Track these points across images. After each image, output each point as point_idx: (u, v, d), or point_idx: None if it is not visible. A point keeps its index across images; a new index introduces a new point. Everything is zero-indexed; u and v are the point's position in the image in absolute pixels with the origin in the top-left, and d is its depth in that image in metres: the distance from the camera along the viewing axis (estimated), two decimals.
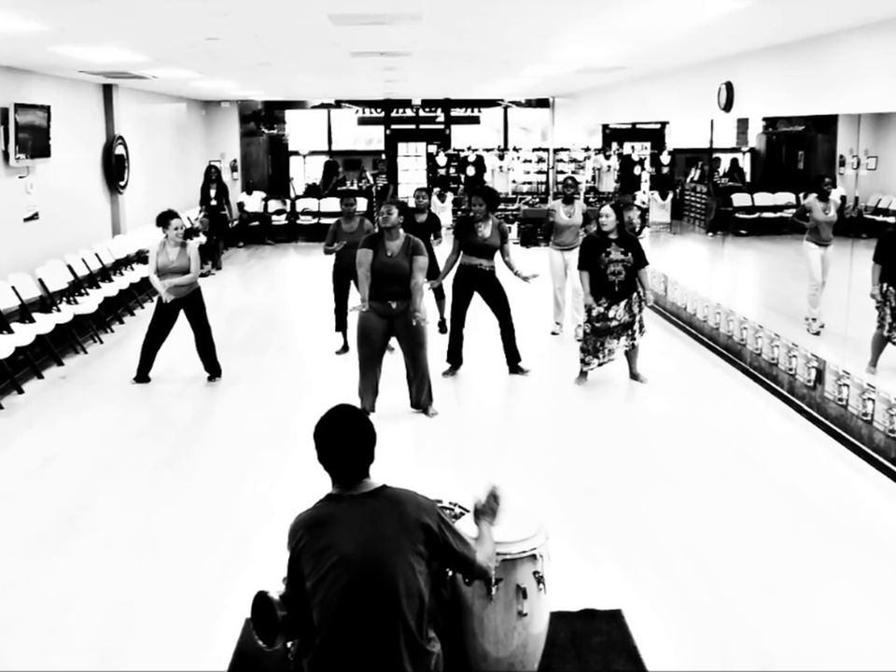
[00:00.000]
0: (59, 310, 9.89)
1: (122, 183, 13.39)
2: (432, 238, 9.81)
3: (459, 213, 18.38)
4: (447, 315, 9.40)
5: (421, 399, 7.55)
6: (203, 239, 15.10)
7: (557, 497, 5.88)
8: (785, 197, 13.11)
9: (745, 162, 15.87)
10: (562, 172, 18.99)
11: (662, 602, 4.60)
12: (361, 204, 17.06)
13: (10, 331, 8.70)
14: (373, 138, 23.04)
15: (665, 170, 18.71)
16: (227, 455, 6.78)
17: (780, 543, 5.25)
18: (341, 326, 9.66)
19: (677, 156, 19.05)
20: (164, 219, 8.35)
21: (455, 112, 22.05)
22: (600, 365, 8.29)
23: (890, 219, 9.19)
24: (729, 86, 9.69)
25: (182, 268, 8.30)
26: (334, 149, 22.26)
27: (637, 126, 19.31)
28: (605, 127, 19.72)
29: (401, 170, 21.71)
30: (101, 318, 10.81)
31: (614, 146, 19.48)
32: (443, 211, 18.43)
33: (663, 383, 8.47)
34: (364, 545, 2.93)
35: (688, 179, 17.88)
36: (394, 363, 8.06)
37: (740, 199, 14.02)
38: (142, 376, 8.59)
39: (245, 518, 5.64)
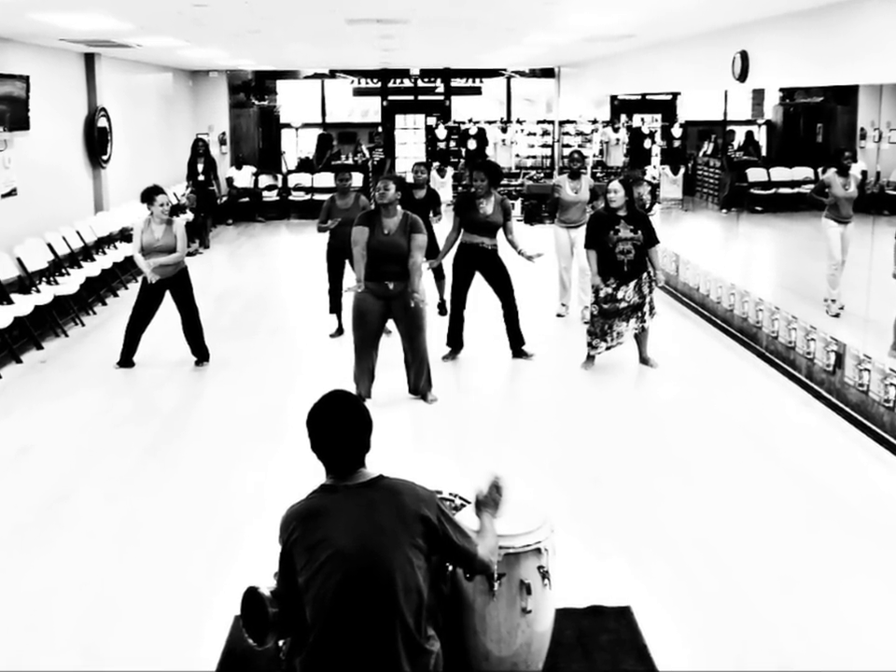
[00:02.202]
0: (38, 291, 9.86)
1: (105, 157, 13.34)
2: (431, 215, 9.77)
3: (460, 188, 18.35)
4: (447, 297, 9.37)
5: (420, 384, 7.53)
6: (189, 216, 15.04)
7: (563, 487, 5.87)
8: (803, 172, 13.06)
9: (761, 135, 15.80)
10: (568, 145, 18.94)
11: (673, 598, 4.59)
12: (357, 180, 17.00)
13: None
14: (369, 110, 22.95)
15: (677, 143, 18.64)
16: (215, 444, 6.76)
17: (798, 536, 5.24)
18: (335, 308, 9.63)
19: (689, 129, 18.95)
20: (149, 195, 8.31)
21: (456, 82, 21.97)
22: (608, 349, 8.26)
23: None
24: (744, 55, 9.62)
25: (168, 246, 8.26)
26: (328, 122, 22.20)
27: (648, 97, 19.22)
28: (613, 98, 19.65)
29: (399, 143, 21.66)
30: (82, 300, 10.77)
31: (623, 118, 19.41)
32: (443, 187, 18.39)
33: (674, 367, 8.44)
34: (360, 538, 2.92)
35: (701, 153, 17.80)
36: (391, 347, 8.03)
37: (755, 174, 13.97)
38: (126, 360, 8.56)
39: (234, 510, 5.62)
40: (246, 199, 19.00)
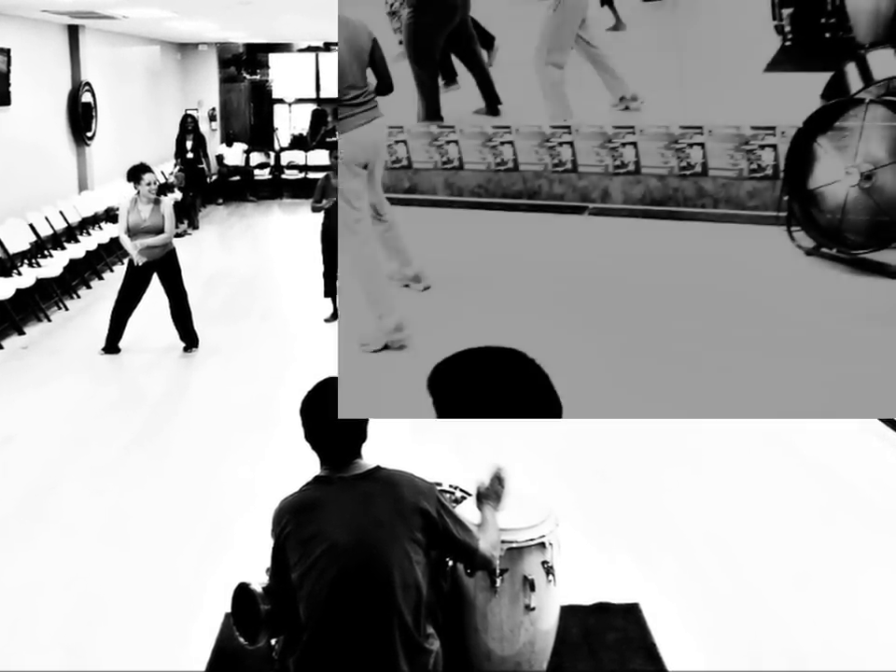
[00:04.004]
0: (20, 273, 9.84)
1: (90, 134, 13.30)
2: None
3: None
4: None
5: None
6: (178, 195, 15.03)
7: (568, 479, 5.86)
8: None
9: None
10: None
11: (683, 595, 4.58)
12: None
13: None
14: None
15: None
16: (205, 434, 6.76)
17: (813, 530, 5.23)
18: (330, 291, 9.62)
19: None
20: (136, 174, 8.28)
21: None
22: None
23: None
24: None
25: (155, 227, 8.24)
26: (323, 97, 22.12)
27: None
28: None
29: None
30: (66, 283, 10.76)
31: None
32: None
33: None
34: (356, 532, 2.90)
35: None
36: None
37: None
38: (111, 346, 8.55)
39: (224, 502, 5.62)
40: (237, 177, 18.98)
